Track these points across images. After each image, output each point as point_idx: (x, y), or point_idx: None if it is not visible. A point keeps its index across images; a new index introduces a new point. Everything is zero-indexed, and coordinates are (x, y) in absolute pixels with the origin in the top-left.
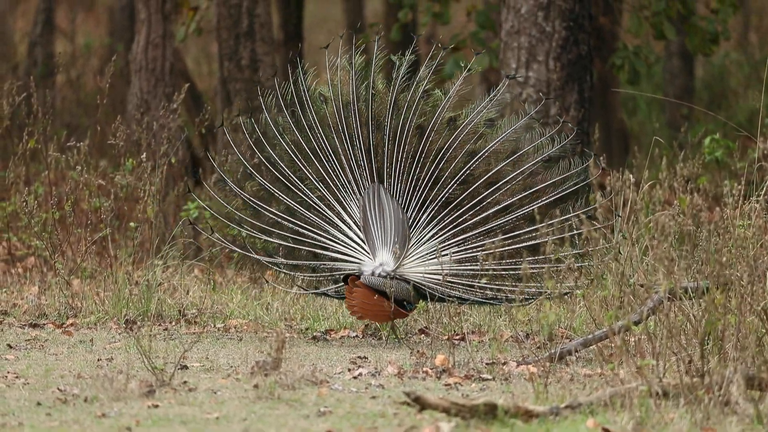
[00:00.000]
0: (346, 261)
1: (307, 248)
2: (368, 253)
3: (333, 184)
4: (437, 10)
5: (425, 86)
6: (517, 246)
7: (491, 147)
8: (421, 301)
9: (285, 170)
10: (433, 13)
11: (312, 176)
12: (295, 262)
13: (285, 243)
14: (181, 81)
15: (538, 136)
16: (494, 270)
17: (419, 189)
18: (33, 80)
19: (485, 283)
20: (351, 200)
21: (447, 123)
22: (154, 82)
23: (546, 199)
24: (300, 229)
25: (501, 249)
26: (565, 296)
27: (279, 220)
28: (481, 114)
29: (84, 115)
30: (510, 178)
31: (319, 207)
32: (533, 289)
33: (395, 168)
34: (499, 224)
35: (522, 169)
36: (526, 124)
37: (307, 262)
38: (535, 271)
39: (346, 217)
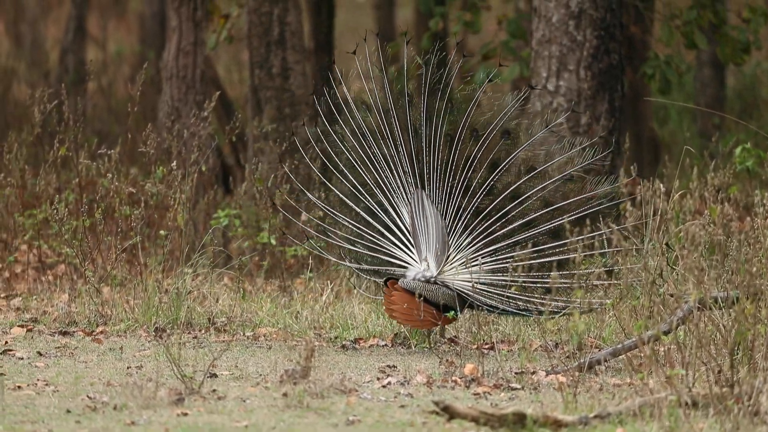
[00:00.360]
0: (398, 265)
1: (371, 253)
2: (415, 258)
3: (387, 189)
4: (468, 19)
5: (451, 94)
6: (545, 260)
7: (511, 159)
8: (466, 309)
9: (351, 178)
10: (464, 22)
11: (370, 182)
12: (374, 267)
13: (361, 250)
14: (212, 89)
15: (566, 149)
16: (524, 282)
17: (453, 197)
18: (64, 87)
19: (515, 293)
20: (402, 205)
21: (471, 132)
22: (185, 90)
23: (571, 216)
24: (367, 236)
25: (529, 262)
26: (594, 310)
27: (353, 227)
28: (500, 124)
29: (115, 123)
30: (531, 193)
31: (379, 213)
32: (561, 303)
33: (432, 175)
34: (525, 237)
35: (543, 185)
36: (546, 137)
37: (382, 268)
38: (565, 284)
39: (399, 222)
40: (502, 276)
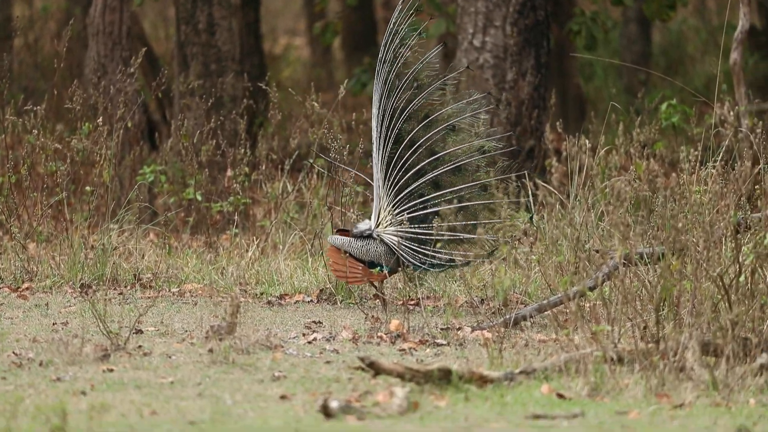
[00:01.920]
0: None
1: None
2: (373, 211)
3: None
4: None
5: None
6: (461, 204)
7: (412, 107)
8: (399, 267)
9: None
10: None
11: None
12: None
13: None
14: (139, 45)
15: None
16: (448, 234)
17: (382, 149)
18: None
19: (438, 250)
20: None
21: (394, 86)
22: (111, 46)
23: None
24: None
25: (443, 206)
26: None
27: None
28: (415, 75)
29: (41, 79)
30: (423, 142)
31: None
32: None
33: (376, 128)
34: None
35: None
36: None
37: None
38: (491, 239)
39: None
40: (426, 228)
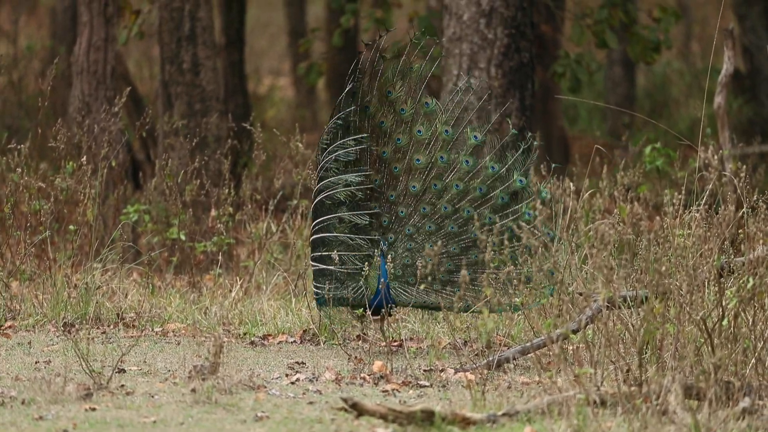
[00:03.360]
0: None
1: None
2: None
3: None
4: (379, 16)
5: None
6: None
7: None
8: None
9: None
10: (376, 19)
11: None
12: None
13: None
14: (123, 84)
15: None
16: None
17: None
18: None
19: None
20: None
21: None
22: (95, 85)
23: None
24: None
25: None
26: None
27: None
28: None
29: (25, 118)
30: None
31: None
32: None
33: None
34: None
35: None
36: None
37: None
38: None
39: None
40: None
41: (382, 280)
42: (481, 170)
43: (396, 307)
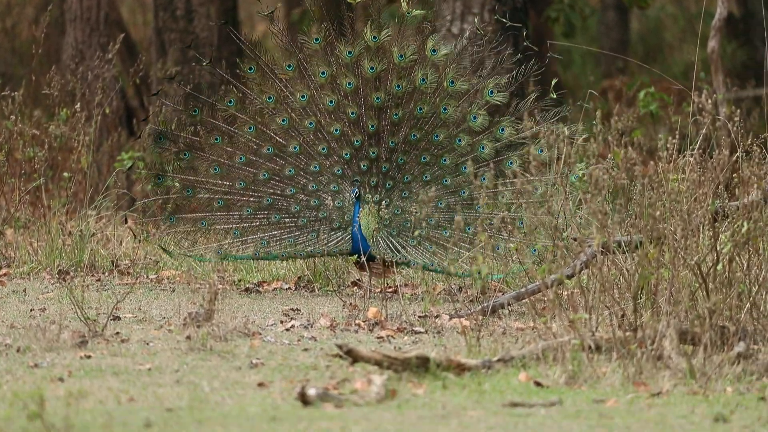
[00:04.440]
0: None
1: None
2: None
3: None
4: None
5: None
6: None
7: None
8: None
9: None
10: None
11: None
12: None
13: None
14: (116, 31)
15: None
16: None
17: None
18: None
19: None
20: None
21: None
22: (89, 32)
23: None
24: None
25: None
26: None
27: None
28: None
29: (18, 65)
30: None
31: None
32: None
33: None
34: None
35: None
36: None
37: None
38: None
39: None
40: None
41: (354, 225)
42: (493, 131)
43: (372, 258)
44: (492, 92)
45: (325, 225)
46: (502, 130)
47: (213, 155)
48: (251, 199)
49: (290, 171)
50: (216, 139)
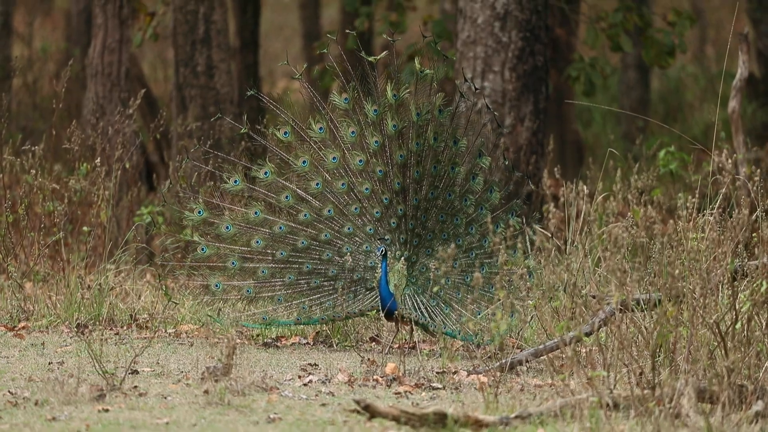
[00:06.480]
0: None
1: None
2: None
3: None
4: (394, 19)
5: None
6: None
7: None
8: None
9: None
10: (390, 22)
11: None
12: None
13: None
14: (137, 86)
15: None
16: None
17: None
18: None
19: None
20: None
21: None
22: (109, 87)
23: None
24: None
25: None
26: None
27: None
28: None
29: (39, 119)
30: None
31: None
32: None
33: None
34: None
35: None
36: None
37: None
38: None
39: None
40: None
41: (381, 283)
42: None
43: (396, 315)
44: (481, 155)
45: (361, 285)
46: (491, 191)
47: (255, 226)
48: (293, 266)
49: (326, 235)
50: (256, 213)
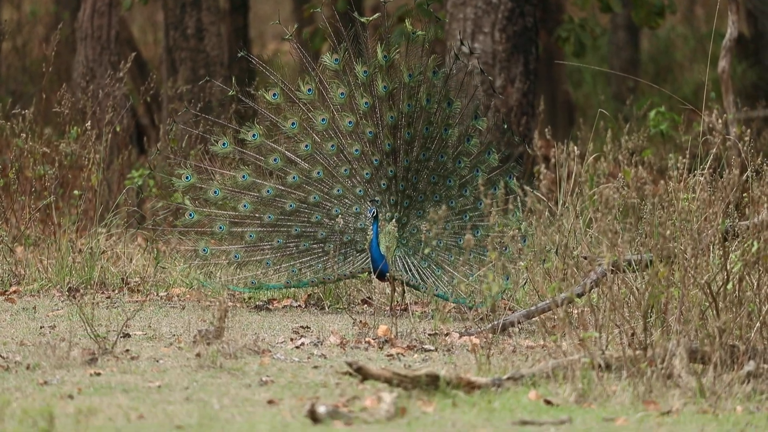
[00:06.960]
0: None
1: None
2: None
3: None
4: None
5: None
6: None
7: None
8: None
9: None
10: None
11: None
12: None
13: None
14: (127, 49)
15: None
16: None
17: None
18: None
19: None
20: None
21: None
22: (99, 50)
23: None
24: None
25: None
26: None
27: None
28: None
29: (29, 83)
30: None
31: None
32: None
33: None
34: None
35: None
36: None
37: None
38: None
39: None
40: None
41: (372, 245)
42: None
43: (388, 277)
44: (477, 117)
45: (351, 248)
46: (489, 153)
47: (243, 190)
48: (282, 229)
49: (315, 197)
50: (244, 176)
